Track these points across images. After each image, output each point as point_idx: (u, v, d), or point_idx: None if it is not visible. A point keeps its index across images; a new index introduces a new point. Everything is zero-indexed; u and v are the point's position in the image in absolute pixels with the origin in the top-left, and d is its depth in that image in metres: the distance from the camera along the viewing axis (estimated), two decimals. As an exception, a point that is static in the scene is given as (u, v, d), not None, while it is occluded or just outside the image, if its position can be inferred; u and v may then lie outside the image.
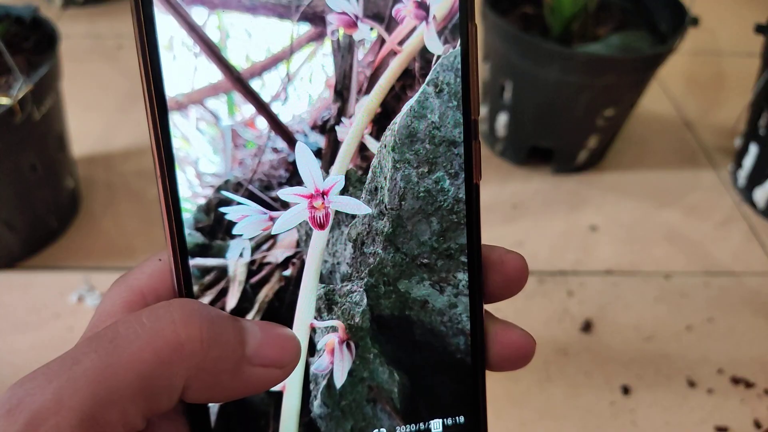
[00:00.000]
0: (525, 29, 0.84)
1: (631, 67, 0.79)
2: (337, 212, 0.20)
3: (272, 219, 0.20)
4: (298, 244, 0.20)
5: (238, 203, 0.20)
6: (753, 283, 0.76)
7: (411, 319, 0.21)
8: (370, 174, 0.21)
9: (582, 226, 0.82)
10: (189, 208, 0.20)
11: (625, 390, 0.64)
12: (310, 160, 0.20)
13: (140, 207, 0.80)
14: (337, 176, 0.20)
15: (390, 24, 0.20)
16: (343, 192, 0.20)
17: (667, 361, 0.67)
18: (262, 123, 0.20)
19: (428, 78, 0.20)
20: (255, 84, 0.20)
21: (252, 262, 0.20)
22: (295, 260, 0.21)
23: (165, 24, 0.18)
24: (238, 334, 0.17)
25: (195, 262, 0.20)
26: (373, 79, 0.20)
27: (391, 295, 0.21)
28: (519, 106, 0.85)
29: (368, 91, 0.20)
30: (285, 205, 0.20)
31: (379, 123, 0.21)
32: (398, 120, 0.20)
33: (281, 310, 0.20)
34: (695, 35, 0.91)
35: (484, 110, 0.91)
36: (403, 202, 0.21)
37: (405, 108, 0.21)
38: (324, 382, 0.21)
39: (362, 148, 0.21)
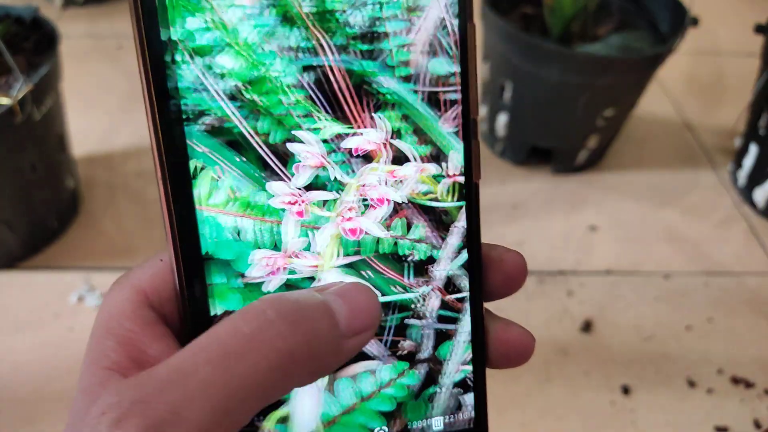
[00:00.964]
0: (525, 29, 0.84)
1: (631, 67, 0.79)
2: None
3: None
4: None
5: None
6: (753, 283, 0.76)
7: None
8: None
9: (582, 226, 0.82)
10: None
11: (625, 390, 0.64)
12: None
13: (140, 207, 0.80)
14: None
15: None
16: None
17: (667, 361, 0.67)
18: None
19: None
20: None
21: None
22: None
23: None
24: (330, 318, 0.18)
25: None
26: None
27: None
28: (519, 106, 0.85)
29: None
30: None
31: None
32: None
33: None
34: (695, 35, 0.91)
35: (484, 110, 0.91)
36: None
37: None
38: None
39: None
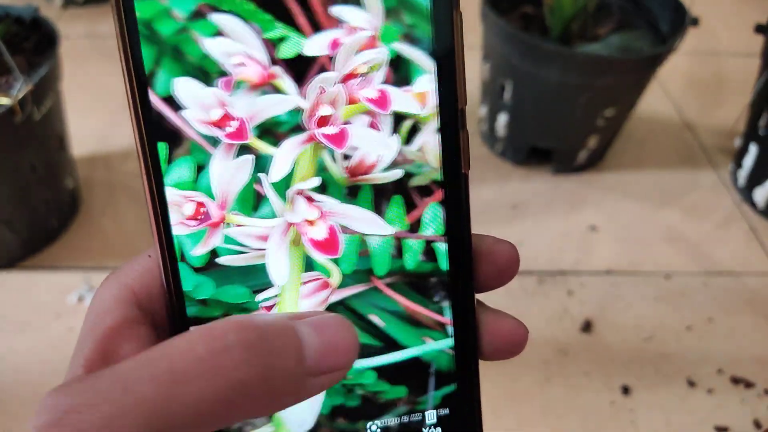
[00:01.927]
0: (525, 29, 0.84)
1: (631, 67, 0.79)
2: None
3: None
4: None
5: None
6: (753, 283, 0.76)
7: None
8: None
9: (582, 226, 0.82)
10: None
11: (625, 390, 0.64)
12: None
13: (140, 207, 0.80)
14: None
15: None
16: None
17: (667, 361, 0.67)
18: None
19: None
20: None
21: None
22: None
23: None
24: (297, 351, 0.16)
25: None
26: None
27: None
28: (519, 106, 0.85)
29: None
30: None
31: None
32: None
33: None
34: (695, 35, 0.91)
35: (484, 110, 0.91)
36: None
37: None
38: None
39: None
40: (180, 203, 0.18)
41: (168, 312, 0.19)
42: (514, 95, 0.84)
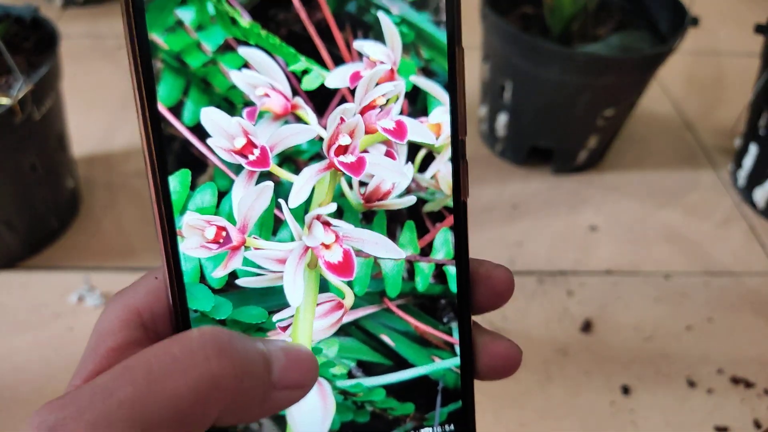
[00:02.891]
0: (525, 29, 0.84)
1: (631, 67, 0.79)
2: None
3: None
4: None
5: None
6: (753, 283, 0.76)
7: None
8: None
9: (582, 226, 0.82)
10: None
11: (625, 390, 0.64)
12: None
13: (140, 207, 0.80)
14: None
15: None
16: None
17: (667, 361, 0.67)
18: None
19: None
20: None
21: None
22: None
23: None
24: (266, 363, 0.17)
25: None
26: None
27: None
28: (519, 106, 0.85)
29: None
30: None
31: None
32: None
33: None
34: (695, 35, 0.91)
35: (484, 110, 0.91)
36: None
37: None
38: None
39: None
40: (202, 227, 0.19)
41: (174, 332, 0.19)
42: (514, 95, 0.84)
